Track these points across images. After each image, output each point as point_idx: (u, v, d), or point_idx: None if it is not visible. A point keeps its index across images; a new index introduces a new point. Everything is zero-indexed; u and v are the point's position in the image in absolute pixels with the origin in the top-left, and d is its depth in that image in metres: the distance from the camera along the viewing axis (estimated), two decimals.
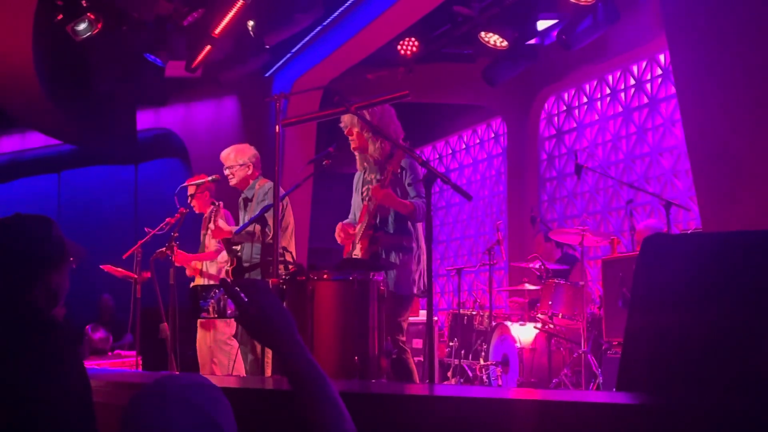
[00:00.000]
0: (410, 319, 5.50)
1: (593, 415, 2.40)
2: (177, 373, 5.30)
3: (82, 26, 7.80)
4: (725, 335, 2.61)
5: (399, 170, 5.22)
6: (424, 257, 5.29)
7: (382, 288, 4.62)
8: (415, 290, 5.26)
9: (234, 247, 6.44)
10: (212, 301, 2.34)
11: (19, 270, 2.53)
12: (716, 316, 2.66)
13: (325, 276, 4.52)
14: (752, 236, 2.91)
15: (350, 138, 5.46)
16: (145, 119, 11.17)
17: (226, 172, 6.70)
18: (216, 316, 2.48)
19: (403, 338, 5.23)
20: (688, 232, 7.53)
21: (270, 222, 5.39)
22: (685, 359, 2.68)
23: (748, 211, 5.67)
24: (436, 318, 9.02)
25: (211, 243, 7.04)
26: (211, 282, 6.77)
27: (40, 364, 1.56)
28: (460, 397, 2.79)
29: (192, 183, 7.15)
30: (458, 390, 4.10)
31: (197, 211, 7.18)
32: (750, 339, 2.55)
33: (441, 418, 2.59)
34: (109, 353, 9.96)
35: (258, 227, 5.72)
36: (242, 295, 1.84)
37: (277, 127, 5.00)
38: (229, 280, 1.96)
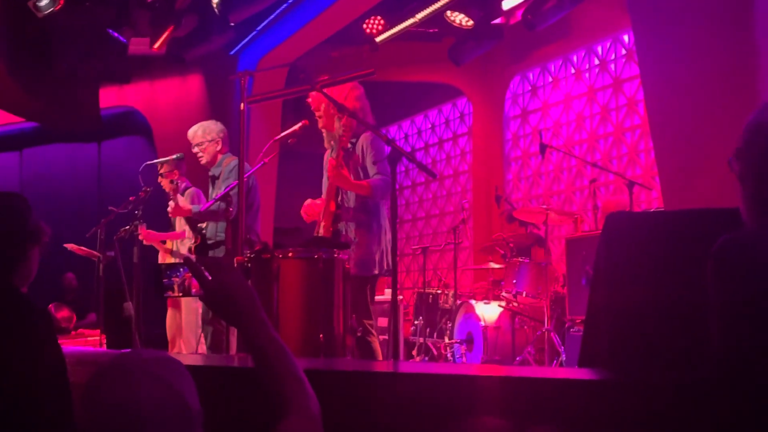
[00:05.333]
0: (376, 298, 5.41)
1: (555, 390, 2.44)
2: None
3: (44, 2, 7.68)
4: (685, 312, 2.65)
5: (347, 146, 5.20)
6: (385, 237, 5.25)
7: (347, 266, 4.63)
8: (376, 270, 5.15)
9: (199, 225, 6.40)
10: (176, 279, 2.35)
11: (8, 248, 2.40)
12: (676, 292, 2.70)
13: (290, 254, 4.52)
14: (712, 214, 2.94)
15: (317, 114, 5.41)
16: (108, 97, 11.04)
17: (195, 150, 6.61)
18: (181, 294, 2.49)
19: (371, 321, 5.11)
20: (650, 210, 7.61)
21: (234, 200, 5.37)
22: (645, 335, 2.72)
23: (708, 190, 5.74)
24: (401, 297, 9.04)
25: (180, 222, 6.98)
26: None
27: (24, 346, 1.54)
28: (424, 374, 2.81)
29: (156, 161, 7.12)
30: (423, 367, 4.12)
31: (168, 191, 7.13)
32: (708, 315, 2.59)
33: (406, 395, 2.61)
34: (73, 332, 9.91)
35: (223, 205, 5.69)
36: (206, 273, 1.83)
37: (242, 104, 4.98)
38: (192, 258, 1.94)
